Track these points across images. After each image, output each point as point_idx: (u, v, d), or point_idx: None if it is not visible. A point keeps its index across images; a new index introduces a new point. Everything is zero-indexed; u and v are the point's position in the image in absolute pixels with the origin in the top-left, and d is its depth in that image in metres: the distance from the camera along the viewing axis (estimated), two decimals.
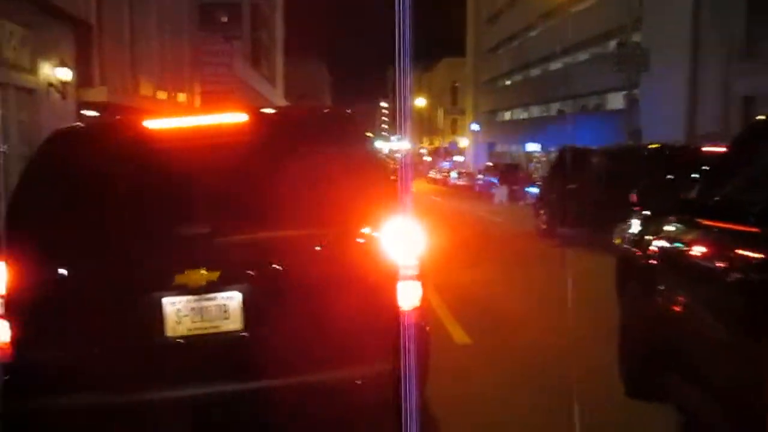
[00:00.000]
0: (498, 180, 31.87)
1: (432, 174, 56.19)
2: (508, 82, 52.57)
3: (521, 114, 49.92)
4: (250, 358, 3.18)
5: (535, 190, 20.47)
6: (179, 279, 3.11)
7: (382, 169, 3.55)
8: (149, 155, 3.31)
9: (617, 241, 5.04)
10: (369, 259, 3.28)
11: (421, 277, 3.34)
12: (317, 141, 3.48)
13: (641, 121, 24.54)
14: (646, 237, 4.31)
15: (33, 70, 13.76)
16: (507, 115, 53.17)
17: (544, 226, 14.79)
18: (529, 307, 7.65)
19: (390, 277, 3.25)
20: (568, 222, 13.32)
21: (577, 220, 12.72)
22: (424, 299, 3.39)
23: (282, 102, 51.09)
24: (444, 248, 10.34)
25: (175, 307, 3.15)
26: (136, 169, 3.26)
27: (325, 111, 4.26)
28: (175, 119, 3.50)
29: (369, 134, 3.94)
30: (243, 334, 3.20)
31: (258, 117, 3.69)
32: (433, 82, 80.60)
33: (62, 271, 3.17)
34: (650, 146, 13.06)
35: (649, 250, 4.17)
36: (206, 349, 3.21)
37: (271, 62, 52.37)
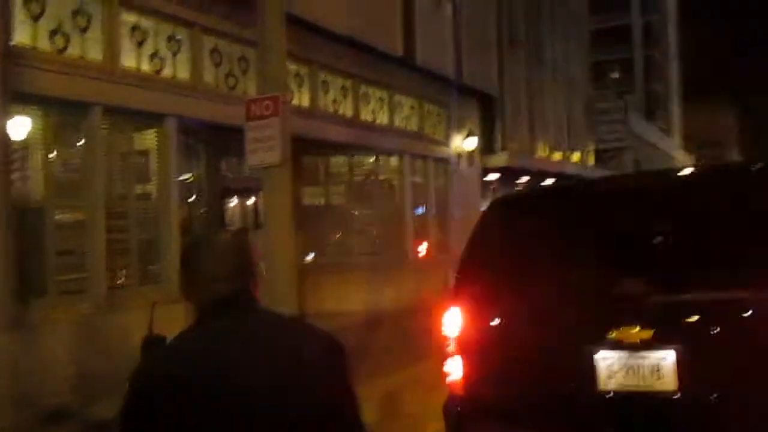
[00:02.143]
0: None
1: None
2: None
3: None
4: (683, 422, 3.07)
5: None
6: (613, 335, 3.19)
7: None
8: (583, 215, 3.50)
9: None
10: None
11: None
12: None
13: None
14: None
15: (446, 142, 15.70)
16: None
17: None
18: None
19: None
20: None
21: None
22: None
23: (680, 153, 48.03)
24: None
25: (607, 362, 3.23)
26: (569, 229, 3.48)
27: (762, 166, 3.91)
28: (604, 181, 3.65)
29: None
30: (676, 396, 3.12)
31: (692, 175, 3.62)
32: None
33: (504, 318, 3.52)
34: None
35: None
36: (637, 408, 3.20)
37: (667, 112, 50.01)
